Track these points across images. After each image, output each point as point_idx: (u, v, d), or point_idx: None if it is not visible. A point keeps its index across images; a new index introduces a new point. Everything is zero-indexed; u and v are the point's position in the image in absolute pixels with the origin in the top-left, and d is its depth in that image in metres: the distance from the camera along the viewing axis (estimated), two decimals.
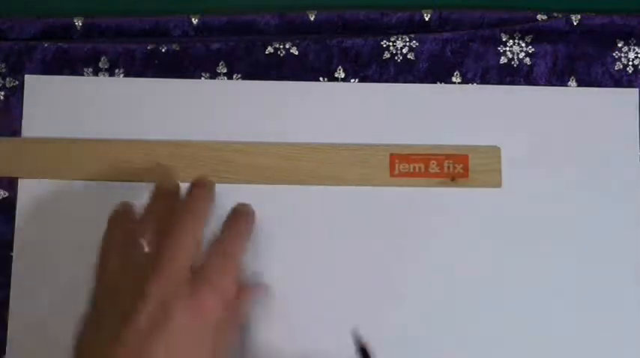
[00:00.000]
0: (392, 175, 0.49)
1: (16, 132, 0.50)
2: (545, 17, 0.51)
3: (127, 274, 0.39)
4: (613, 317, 0.48)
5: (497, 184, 0.49)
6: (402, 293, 0.48)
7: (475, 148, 0.49)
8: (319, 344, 0.47)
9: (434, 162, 0.49)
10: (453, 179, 0.49)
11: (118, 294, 0.38)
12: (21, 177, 0.49)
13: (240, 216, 0.44)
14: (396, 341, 0.47)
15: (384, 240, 0.48)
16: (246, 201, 0.48)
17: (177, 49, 0.50)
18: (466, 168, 0.49)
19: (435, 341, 0.47)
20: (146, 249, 0.40)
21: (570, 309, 0.48)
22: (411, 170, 0.49)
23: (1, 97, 0.51)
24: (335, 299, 0.48)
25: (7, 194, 0.49)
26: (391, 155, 0.49)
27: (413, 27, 0.52)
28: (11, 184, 0.49)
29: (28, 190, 0.49)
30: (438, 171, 0.49)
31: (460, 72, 0.51)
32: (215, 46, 0.51)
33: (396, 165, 0.49)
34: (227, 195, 0.48)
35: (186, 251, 0.39)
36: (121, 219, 0.42)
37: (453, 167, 0.49)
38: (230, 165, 0.49)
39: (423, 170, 0.49)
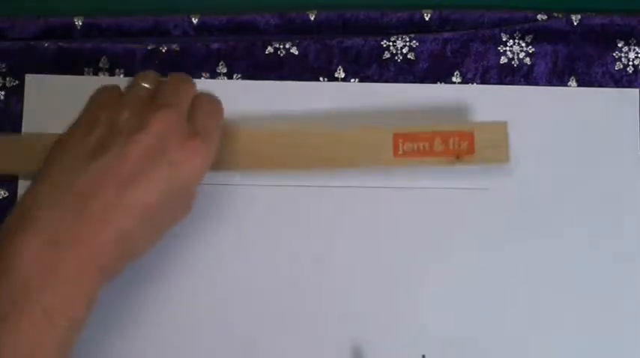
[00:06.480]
0: (396, 155, 0.47)
1: (16, 132, 0.50)
2: (545, 17, 0.51)
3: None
4: (613, 316, 0.48)
5: (505, 160, 0.46)
6: (403, 291, 0.48)
7: (481, 124, 0.47)
8: (319, 340, 0.47)
9: (438, 139, 0.47)
10: (458, 157, 0.47)
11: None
12: (21, 177, 0.49)
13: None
14: (401, 332, 0.47)
15: (384, 239, 0.48)
16: (246, 202, 0.48)
17: (178, 49, 0.50)
18: (472, 145, 0.46)
19: (436, 334, 0.47)
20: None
21: (571, 308, 0.48)
22: (415, 148, 0.47)
23: (1, 97, 0.51)
24: (337, 297, 0.48)
25: (7, 194, 0.49)
26: (395, 134, 0.47)
27: (413, 27, 0.52)
28: (11, 184, 0.49)
29: None
30: (443, 148, 0.47)
31: (460, 72, 0.51)
32: (215, 46, 0.51)
33: (400, 145, 0.47)
34: (227, 195, 0.48)
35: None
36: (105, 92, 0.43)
37: (458, 144, 0.46)
38: (232, 152, 0.47)
39: (427, 148, 0.47)
